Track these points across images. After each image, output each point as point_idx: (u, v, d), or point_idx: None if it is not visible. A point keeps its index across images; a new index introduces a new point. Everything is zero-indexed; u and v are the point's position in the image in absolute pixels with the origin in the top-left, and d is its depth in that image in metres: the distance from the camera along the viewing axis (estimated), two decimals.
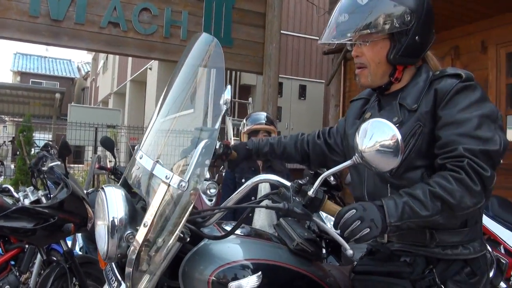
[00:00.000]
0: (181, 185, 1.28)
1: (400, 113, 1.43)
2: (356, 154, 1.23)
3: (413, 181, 1.35)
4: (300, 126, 8.93)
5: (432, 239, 1.38)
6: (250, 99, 7.00)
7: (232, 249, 1.43)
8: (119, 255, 1.36)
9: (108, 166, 3.97)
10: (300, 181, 1.30)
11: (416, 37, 1.42)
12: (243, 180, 3.01)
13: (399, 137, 1.19)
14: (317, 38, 10.36)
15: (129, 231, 1.35)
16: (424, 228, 1.38)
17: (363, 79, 1.51)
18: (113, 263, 1.47)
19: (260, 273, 1.36)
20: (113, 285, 1.42)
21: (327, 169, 1.32)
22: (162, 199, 1.29)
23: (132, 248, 1.30)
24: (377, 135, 1.20)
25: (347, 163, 1.27)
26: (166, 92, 1.59)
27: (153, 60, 11.42)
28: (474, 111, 1.32)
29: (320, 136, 1.82)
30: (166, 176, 1.31)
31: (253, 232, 1.55)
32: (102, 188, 1.42)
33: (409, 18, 1.40)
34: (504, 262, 3.13)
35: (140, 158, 1.47)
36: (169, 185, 1.30)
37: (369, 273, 1.48)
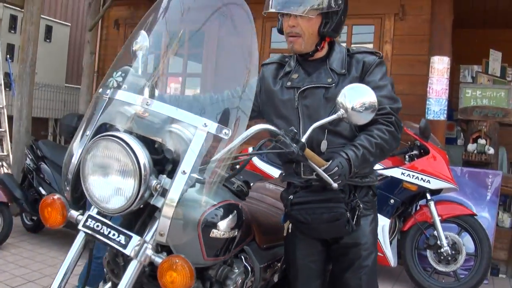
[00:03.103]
0: (225, 132, 1.40)
1: (333, 76, 1.81)
2: (342, 110, 1.59)
3: (344, 129, 1.80)
4: (44, 69, 7.94)
5: (355, 172, 1.77)
6: None
7: (209, 194, 1.54)
8: (141, 206, 1.41)
9: None
10: (293, 130, 1.55)
11: (342, 17, 1.81)
12: None
13: (376, 100, 1.60)
14: None
15: (155, 180, 1.40)
16: None
17: (296, 46, 1.81)
18: (103, 218, 1.46)
19: (235, 212, 1.64)
20: (117, 240, 1.40)
21: None
22: (201, 146, 1.37)
23: (171, 196, 1.35)
24: (362, 97, 1.58)
25: (333, 116, 1.62)
26: None
27: None
28: (386, 80, 1.82)
29: None
30: (205, 124, 1.40)
31: None
32: (115, 136, 1.40)
33: (341, 1, 1.77)
34: None
35: (148, 105, 1.47)
36: (208, 133, 1.39)
37: (307, 202, 1.80)
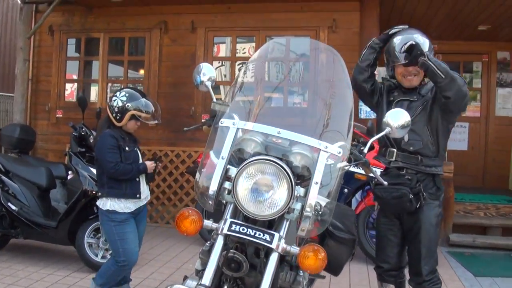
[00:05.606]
0: (339, 152, 1.84)
1: (417, 96, 2.67)
2: (388, 128, 2.11)
3: (418, 128, 2.60)
4: None
5: (421, 161, 2.60)
6: None
7: None
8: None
9: None
10: (360, 145, 2.19)
11: None
12: (127, 148, 3.14)
13: (410, 120, 2.17)
14: None
15: (296, 192, 1.79)
16: (417, 155, 2.59)
17: (414, 82, 2.67)
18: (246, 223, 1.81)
19: None
20: (263, 238, 1.74)
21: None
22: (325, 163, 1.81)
23: (310, 201, 1.77)
24: (401, 119, 2.12)
25: (382, 133, 2.15)
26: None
27: None
28: None
29: (374, 81, 2.88)
30: (326, 146, 1.83)
31: None
32: (269, 160, 1.78)
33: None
34: None
35: (279, 133, 1.87)
36: (329, 154, 1.83)
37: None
